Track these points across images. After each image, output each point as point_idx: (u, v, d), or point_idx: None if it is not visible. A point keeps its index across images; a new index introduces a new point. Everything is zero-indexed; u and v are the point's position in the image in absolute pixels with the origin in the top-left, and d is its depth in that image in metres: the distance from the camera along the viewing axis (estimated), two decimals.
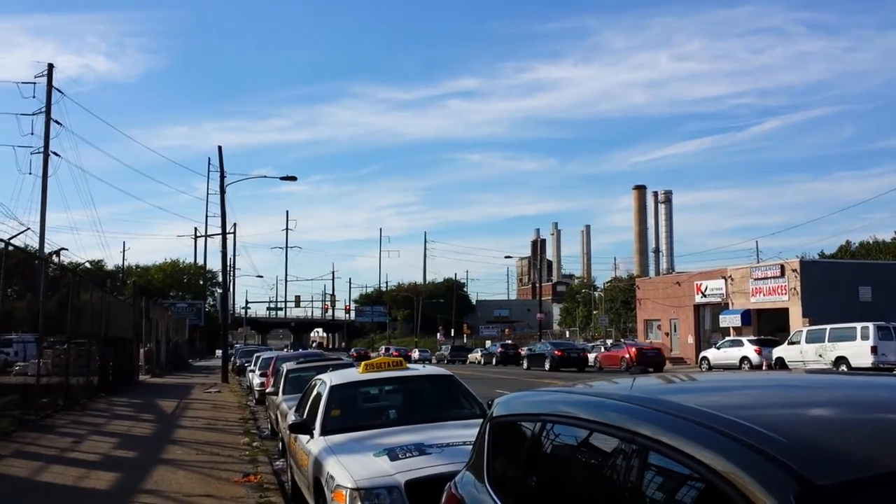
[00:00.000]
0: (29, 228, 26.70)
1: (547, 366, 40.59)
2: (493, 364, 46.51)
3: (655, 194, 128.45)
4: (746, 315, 41.59)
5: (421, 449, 6.05)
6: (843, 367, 22.32)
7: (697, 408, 2.18)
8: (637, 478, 2.20)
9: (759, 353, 32.24)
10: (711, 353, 35.88)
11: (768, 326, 40.30)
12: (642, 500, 2.18)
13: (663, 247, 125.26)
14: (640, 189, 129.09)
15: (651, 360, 37.23)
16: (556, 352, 41.18)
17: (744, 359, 32.91)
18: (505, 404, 3.55)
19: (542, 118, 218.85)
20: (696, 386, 3.06)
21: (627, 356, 38.45)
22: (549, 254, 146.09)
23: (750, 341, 34.18)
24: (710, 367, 34.38)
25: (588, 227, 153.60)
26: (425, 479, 5.55)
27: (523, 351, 48.66)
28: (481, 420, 5.06)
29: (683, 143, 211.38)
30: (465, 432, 6.17)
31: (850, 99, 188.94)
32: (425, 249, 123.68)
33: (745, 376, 3.56)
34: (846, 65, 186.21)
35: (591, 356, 43.25)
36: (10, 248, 13.98)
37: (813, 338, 28.22)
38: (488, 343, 72.53)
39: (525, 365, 44.42)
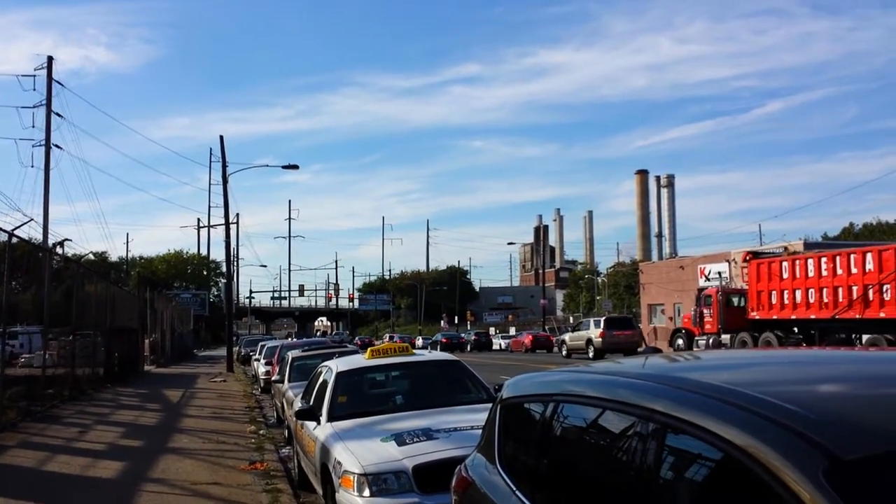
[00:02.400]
0: (32, 220, 26.63)
1: (438, 349, 54.41)
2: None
3: (658, 179, 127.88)
4: None
5: (428, 434, 6.03)
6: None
7: (717, 384, 2.12)
8: (655, 456, 2.14)
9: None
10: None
11: None
12: (659, 478, 2.13)
13: (666, 231, 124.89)
14: (642, 174, 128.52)
15: (542, 344, 49.98)
16: (443, 339, 57.06)
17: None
18: (514, 385, 3.51)
19: (544, 103, 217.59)
20: (709, 364, 3.01)
21: (526, 342, 50.81)
22: (552, 240, 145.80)
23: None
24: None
25: (590, 212, 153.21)
26: (433, 464, 5.54)
27: (418, 341, 64.42)
28: (488, 404, 5.03)
29: (685, 127, 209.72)
30: (472, 416, 6.15)
31: (854, 79, 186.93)
32: (428, 237, 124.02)
33: (753, 353, 3.52)
34: (850, 45, 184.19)
35: (504, 342, 57.21)
36: (14, 239, 13.95)
37: None
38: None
39: (429, 349, 55.51)
